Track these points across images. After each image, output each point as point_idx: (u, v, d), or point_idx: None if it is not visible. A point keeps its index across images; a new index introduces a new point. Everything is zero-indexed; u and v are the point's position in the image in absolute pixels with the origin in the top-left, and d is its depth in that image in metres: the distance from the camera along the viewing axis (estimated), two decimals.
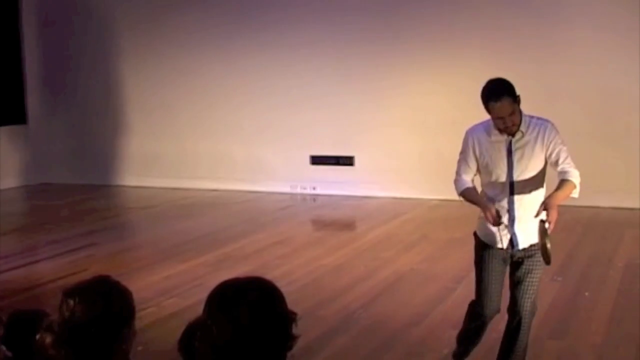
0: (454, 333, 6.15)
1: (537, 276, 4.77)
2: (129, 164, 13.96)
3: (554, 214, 4.42)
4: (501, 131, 4.59)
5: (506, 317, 4.97)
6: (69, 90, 14.23)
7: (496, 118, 4.54)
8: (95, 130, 14.16)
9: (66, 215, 11.28)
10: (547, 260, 4.55)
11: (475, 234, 4.98)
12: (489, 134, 4.68)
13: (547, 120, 4.70)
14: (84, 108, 14.18)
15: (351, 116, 12.49)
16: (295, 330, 2.33)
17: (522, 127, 4.61)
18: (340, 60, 12.46)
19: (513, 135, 4.60)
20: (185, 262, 8.48)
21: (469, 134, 4.81)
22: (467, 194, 4.82)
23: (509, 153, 4.63)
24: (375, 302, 7.10)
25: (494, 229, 4.68)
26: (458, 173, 4.87)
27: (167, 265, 8.34)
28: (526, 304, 4.79)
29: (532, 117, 4.67)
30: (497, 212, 4.64)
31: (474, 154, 4.76)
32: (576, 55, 11.10)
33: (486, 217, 4.65)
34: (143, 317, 6.01)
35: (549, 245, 4.49)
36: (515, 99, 4.53)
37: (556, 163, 4.64)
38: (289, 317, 2.31)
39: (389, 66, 12.16)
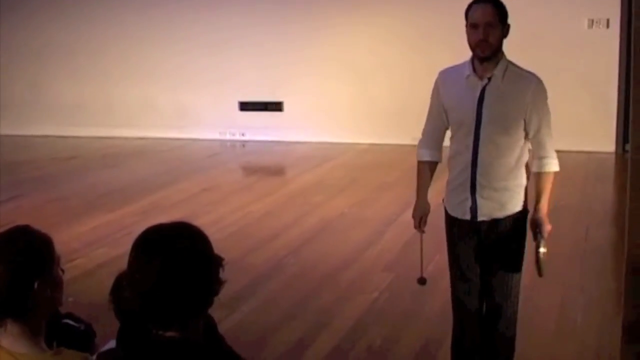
0: (384, 275, 6.21)
1: (514, 259, 4.09)
2: (50, 112, 13.64)
3: (547, 228, 3.97)
4: (475, 54, 3.78)
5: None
6: None
7: (471, 26, 3.73)
8: (14, 77, 13.79)
9: None
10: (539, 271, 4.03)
11: (443, 202, 4.11)
12: (460, 74, 3.86)
13: (533, 74, 3.91)
14: (2, 54, 13.79)
15: (279, 62, 12.38)
16: (222, 275, 2.29)
17: (497, 71, 3.80)
18: (267, 5, 12.31)
19: (482, 60, 3.77)
20: (113, 211, 8.38)
21: (438, 75, 4.02)
22: (417, 171, 4.11)
23: (480, 101, 3.79)
24: (304, 247, 7.10)
25: (460, 198, 3.94)
26: (422, 132, 4.11)
27: (95, 216, 8.23)
28: (505, 294, 4.07)
29: (515, 65, 3.89)
30: (422, 219, 4.04)
31: (438, 96, 3.97)
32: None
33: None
34: (72, 268, 5.93)
35: (542, 253, 4.03)
36: (502, 19, 3.75)
37: (534, 136, 3.89)
38: (215, 261, 2.28)
39: (316, 10, 12.06)
